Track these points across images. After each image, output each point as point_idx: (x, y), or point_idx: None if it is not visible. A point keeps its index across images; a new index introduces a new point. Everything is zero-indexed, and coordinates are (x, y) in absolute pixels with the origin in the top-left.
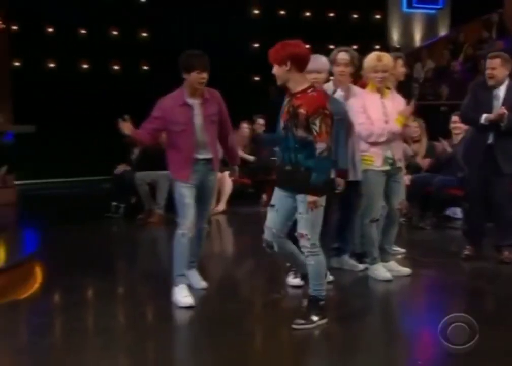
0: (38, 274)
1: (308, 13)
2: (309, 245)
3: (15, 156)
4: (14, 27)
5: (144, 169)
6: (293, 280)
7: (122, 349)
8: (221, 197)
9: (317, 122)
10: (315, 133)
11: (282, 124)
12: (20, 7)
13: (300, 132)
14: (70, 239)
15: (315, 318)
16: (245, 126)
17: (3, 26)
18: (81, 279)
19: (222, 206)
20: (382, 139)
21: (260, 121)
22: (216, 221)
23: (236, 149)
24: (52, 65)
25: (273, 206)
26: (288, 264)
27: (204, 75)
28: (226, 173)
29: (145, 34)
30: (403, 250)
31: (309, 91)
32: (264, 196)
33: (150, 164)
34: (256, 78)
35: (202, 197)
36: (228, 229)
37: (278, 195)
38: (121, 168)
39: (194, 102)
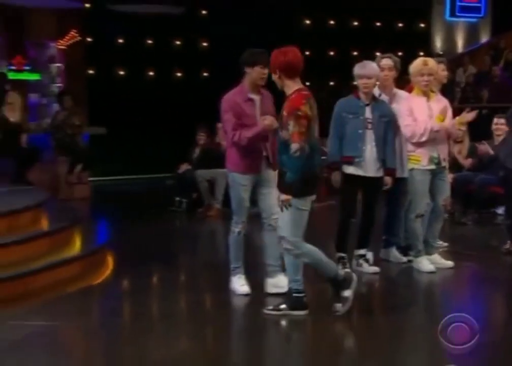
0: (110, 262)
1: (356, 23)
2: (292, 247)
3: (89, 156)
4: (89, 39)
5: (204, 167)
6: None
7: (184, 334)
8: None
9: (291, 123)
10: (290, 133)
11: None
12: (94, 22)
13: (284, 134)
14: (138, 231)
15: (282, 306)
16: None
17: (79, 38)
18: (147, 268)
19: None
20: (424, 138)
21: None
22: None
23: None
24: (121, 73)
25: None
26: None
27: (266, 71)
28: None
29: (205, 44)
30: (445, 244)
31: (293, 94)
32: None
33: (209, 163)
34: (307, 83)
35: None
36: None
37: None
38: (183, 167)
39: (256, 98)
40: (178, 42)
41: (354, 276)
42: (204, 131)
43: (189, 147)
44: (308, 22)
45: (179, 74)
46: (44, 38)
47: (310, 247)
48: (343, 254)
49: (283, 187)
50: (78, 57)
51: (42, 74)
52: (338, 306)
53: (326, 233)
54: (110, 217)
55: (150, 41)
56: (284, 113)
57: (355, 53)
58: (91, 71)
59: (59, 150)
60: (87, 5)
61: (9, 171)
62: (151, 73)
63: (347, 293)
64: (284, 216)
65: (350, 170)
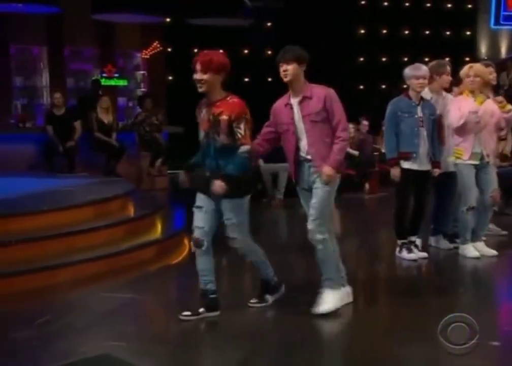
0: (186, 244)
1: (406, 31)
2: (243, 246)
3: (168, 151)
4: (169, 49)
5: (268, 161)
6: (407, 255)
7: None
8: None
9: (242, 126)
10: (239, 136)
11: (202, 133)
12: (173, 34)
13: (222, 139)
14: None
15: (200, 310)
16: (350, 127)
17: (160, 48)
18: (218, 249)
19: None
20: (462, 121)
21: (365, 122)
22: None
23: (335, 154)
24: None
25: (200, 207)
26: (400, 240)
27: (283, 67)
28: None
29: (269, 52)
30: (504, 232)
31: (229, 98)
32: (367, 185)
33: (272, 157)
34: (361, 87)
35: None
36: (335, 211)
37: (202, 197)
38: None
39: (294, 101)
40: (245, 51)
41: (283, 289)
42: None
43: None
44: (362, 31)
45: (246, 79)
46: (130, 49)
47: (257, 246)
48: (405, 240)
49: (223, 178)
50: (159, 65)
51: (129, 81)
52: (255, 300)
53: (380, 221)
54: (186, 206)
55: (221, 51)
56: (224, 116)
57: (405, 59)
58: (170, 78)
59: (142, 146)
60: (167, 19)
61: (102, 164)
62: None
63: (270, 298)
64: (233, 221)
65: (406, 165)
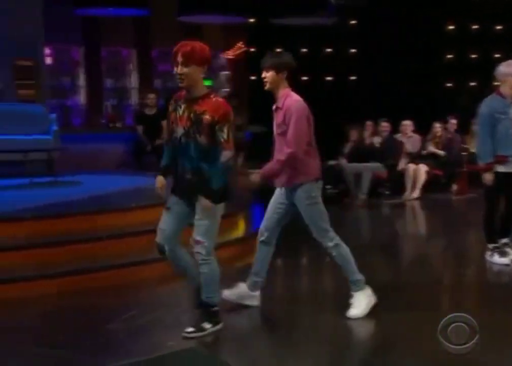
0: None
1: (498, 27)
2: (204, 253)
3: (250, 150)
4: (252, 49)
5: (354, 161)
6: (499, 259)
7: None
8: (416, 185)
9: (225, 129)
10: (222, 140)
11: (179, 130)
12: (256, 34)
13: (203, 139)
14: (293, 216)
15: (207, 326)
16: (437, 126)
17: (244, 49)
18: (298, 248)
19: (416, 193)
20: None
21: (453, 121)
22: (411, 205)
23: (271, 166)
24: None
25: (168, 208)
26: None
27: (263, 74)
28: (421, 165)
29: (353, 50)
30: None
31: (212, 96)
32: (454, 186)
33: (357, 157)
34: (449, 84)
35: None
36: (421, 212)
37: (175, 200)
38: (334, 160)
39: (274, 108)
40: (328, 50)
41: (221, 324)
42: (356, 128)
43: (336, 143)
44: (451, 26)
45: (329, 78)
46: (215, 50)
47: (216, 262)
48: (496, 244)
49: (206, 193)
50: (243, 65)
51: (214, 81)
52: (190, 329)
53: (467, 222)
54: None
55: (304, 50)
56: (207, 116)
57: (497, 56)
58: (253, 78)
59: None
60: (251, 20)
61: None
62: (305, 78)
63: (207, 326)
64: (204, 223)
65: (500, 168)
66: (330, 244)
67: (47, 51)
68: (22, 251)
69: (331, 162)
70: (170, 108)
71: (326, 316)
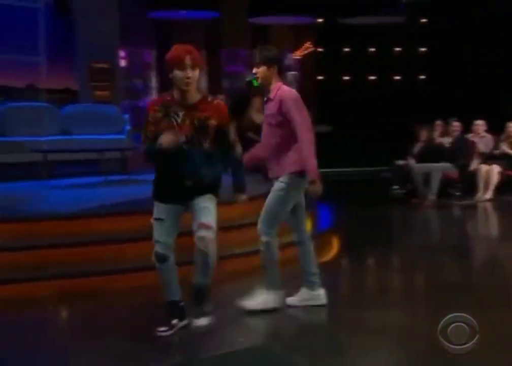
0: (335, 243)
1: None
2: (213, 237)
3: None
4: (320, 49)
5: (423, 161)
6: None
7: (395, 306)
8: (488, 186)
9: (231, 129)
10: (231, 140)
11: (180, 138)
12: (324, 34)
13: (207, 145)
14: (358, 217)
15: (174, 321)
16: (511, 126)
17: (312, 49)
18: (366, 250)
19: (489, 194)
20: None
21: None
22: (483, 207)
23: (307, 158)
24: (346, 78)
25: (161, 219)
26: None
27: (254, 70)
28: (494, 166)
29: (423, 49)
30: None
31: (209, 99)
32: None
33: (427, 157)
34: None
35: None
36: (493, 213)
37: (166, 209)
38: (402, 160)
39: (266, 101)
40: (397, 49)
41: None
42: (425, 128)
43: (404, 143)
44: None
45: (397, 77)
46: (283, 50)
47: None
48: None
49: (215, 193)
50: (310, 65)
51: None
52: (163, 329)
53: None
54: (334, 204)
55: (372, 49)
56: (213, 121)
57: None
58: (320, 77)
59: None
60: (320, 20)
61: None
62: (372, 77)
63: (176, 322)
64: (212, 207)
65: None
66: (265, 239)
67: (121, 53)
68: (98, 245)
69: (400, 162)
70: (158, 114)
71: (393, 315)
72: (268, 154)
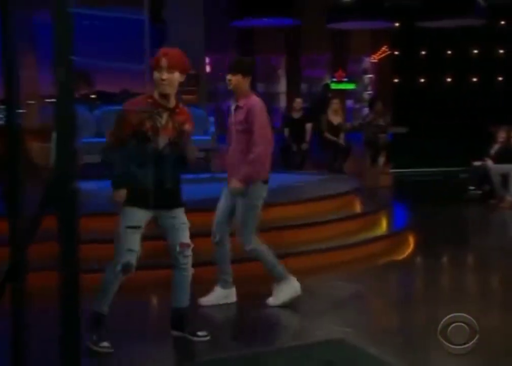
0: (411, 242)
1: None
2: (190, 253)
3: (392, 151)
4: (396, 53)
5: (501, 162)
6: None
7: (468, 304)
8: None
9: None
10: (194, 147)
11: (162, 140)
12: (401, 38)
13: (182, 149)
14: (435, 216)
15: (95, 338)
16: None
17: (388, 52)
18: (442, 249)
19: None
20: None
21: None
22: None
23: (245, 168)
24: (422, 80)
25: (136, 227)
26: None
27: (228, 77)
28: None
29: (501, 51)
30: None
31: (181, 106)
32: None
33: (505, 158)
34: None
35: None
36: None
37: (140, 215)
38: (479, 161)
39: (233, 107)
40: (475, 51)
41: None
42: (504, 129)
43: (482, 144)
44: None
45: (474, 79)
46: (360, 54)
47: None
48: None
49: (181, 201)
50: (387, 68)
51: (357, 84)
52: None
53: None
54: (410, 203)
55: (449, 52)
56: (187, 126)
57: None
58: (396, 80)
59: (366, 145)
60: (396, 24)
61: (326, 162)
62: (449, 79)
63: (96, 338)
64: (187, 226)
65: None
66: (249, 247)
67: (206, 60)
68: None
69: (477, 163)
70: (142, 115)
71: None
72: (233, 160)
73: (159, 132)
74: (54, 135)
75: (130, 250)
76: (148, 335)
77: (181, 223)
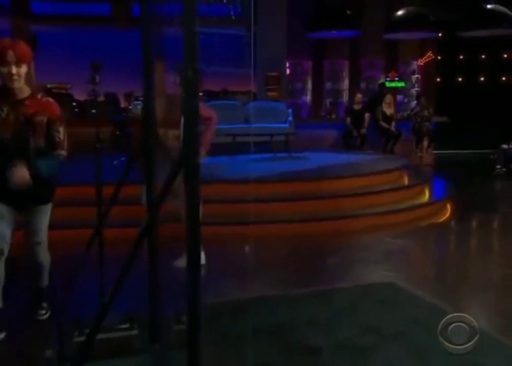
0: (449, 208)
1: None
2: (44, 248)
3: (434, 136)
4: (439, 57)
5: None
6: None
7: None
8: None
9: (61, 129)
10: (58, 140)
11: (5, 134)
12: (444, 44)
13: (37, 143)
14: (469, 188)
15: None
16: None
17: (433, 57)
18: (475, 213)
19: None
20: None
21: None
22: None
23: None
24: (460, 79)
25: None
26: None
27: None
28: None
29: None
30: None
31: (41, 96)
32: None
33: None
34: None
35: None
36: None
37: (5, 208)
38: (507, 145)
39: None
40: (504, 55)
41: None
42: None
43: (508, 131)
44: None
45: (503, 78)
46: (409, 58)
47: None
48: None
49: (51, 196)
50: (430, 70)
51: (406, 82)
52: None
53: None
54: (449, 178)
55: (483, 56)
56: (40, 117)
57: None
58: (438, 79)
59: (413, 132)
60: (439, 34)
61: (380, 145)
62: (482, 78)
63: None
64: (44, 222)
65: None
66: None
67: (288, 64)
68: (268, 203)
69: (504, 146)
70: None
71: (494, 269)
72: None
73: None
74: (181, 122)
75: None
76: None
77: (35, 223)
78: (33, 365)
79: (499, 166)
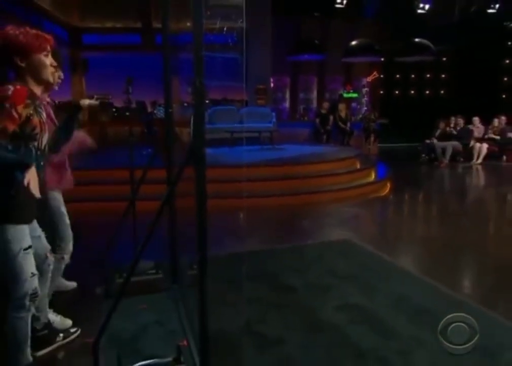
0: (388, 186)
1: None
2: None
3: (378, 133)
4: (381, 76)
5: (441, 140)
6: None
7: (422, 218)
8: (479, 156)
9: None
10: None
11: (45, 139)
12: (385, 67)
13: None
14: (401, 171)
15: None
16: (495, 120)
17: (377, 75)
18: (406, 188)
19: (479, 161)
20: None
21: (503, 117)
22: (476, 168)
23: None
24: (396, 92)
25: (30, 247)
26: None
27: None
28: (484, 144)
29: (443, 75)
30: None
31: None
32: (504, 157)
33: (444, 138)
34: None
35: None
36: (482, 172)
37: (27, 232)
38: (429, 140)
39: None
40: (428, 75)
41: None
42: (443, 121)
43: (430, 130)
44: None
45: (427, 92)
46: (361, 76)
47: None
48: None
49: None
50: (376, 85)
51: (359, 94)
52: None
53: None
54: (389, 164)
55: (412, 75)
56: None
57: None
58: (381, 92)
59: (363, 130)
60: (382, 59)
61: (339, 140)
62: (412, 92)
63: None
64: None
65: None
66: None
67: (272, 79)
68: (257, 182)
69: (427, 141)
70: (28, 110)
71: (429, 228)
72: None
73: (45, 129)
74: (191, 122)
75: (34, 274)
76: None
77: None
78: (90, 298)
79: (423, 155)
